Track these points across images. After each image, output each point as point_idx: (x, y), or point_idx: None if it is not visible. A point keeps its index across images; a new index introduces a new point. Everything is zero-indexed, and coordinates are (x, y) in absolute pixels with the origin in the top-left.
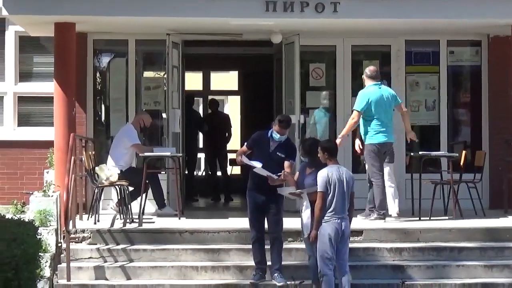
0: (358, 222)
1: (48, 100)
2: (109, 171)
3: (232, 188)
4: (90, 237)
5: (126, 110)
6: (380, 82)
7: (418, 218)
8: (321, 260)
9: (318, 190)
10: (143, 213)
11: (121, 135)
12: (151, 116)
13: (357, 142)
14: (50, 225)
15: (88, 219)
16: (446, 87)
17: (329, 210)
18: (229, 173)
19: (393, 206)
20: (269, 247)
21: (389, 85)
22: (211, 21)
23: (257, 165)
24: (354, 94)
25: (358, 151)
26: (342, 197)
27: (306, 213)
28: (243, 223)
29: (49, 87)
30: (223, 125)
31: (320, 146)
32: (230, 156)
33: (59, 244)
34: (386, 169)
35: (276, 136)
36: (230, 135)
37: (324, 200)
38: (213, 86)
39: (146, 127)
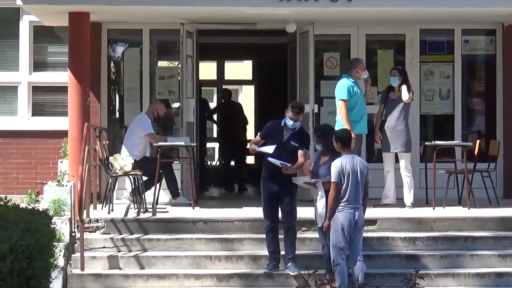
0: (372, 211)
1: (62, 89)
2: (123, 160)
3: (245, 178)
4: (104, 227)
5: (140, 100)
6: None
7: (432, 208)
8: (334, 250)
9: (331, 181)
10: (157, 203)
11: (135, 124)
12: (165, 105)
13: (378, 132)
14: (64, 215)
15: (102, 209)
16: (461, 76)
17: (342, 200)
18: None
19: (407, 196)
20: (283, 236)
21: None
22: (225, 10)
23: (269, 150)
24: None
25: (378, 141)
26: (356, 187)
27: (321, 203)
28: (257, 212)
29: (63, 77)
30: (236, 115)
31: (334, 136)
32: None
33: (73, 234)
34: (402, 159)
35: (290, 122)
36: (246, 123)
37: (338, 190)
38: (227, 76)
39: (160, 116)
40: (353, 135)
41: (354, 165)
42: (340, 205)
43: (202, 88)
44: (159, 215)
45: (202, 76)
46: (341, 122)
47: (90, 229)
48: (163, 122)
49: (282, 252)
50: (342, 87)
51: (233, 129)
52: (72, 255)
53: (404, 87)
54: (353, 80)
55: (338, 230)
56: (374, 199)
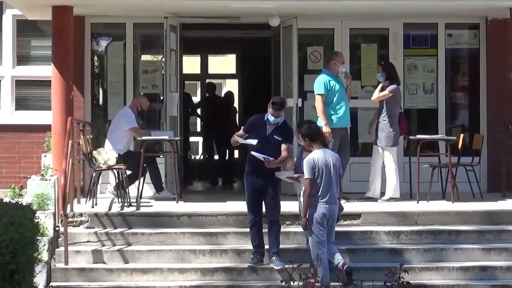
0: (356, 205)
1: (45, 83)
2: (107, 154)
3: (230, 172)
4: (88, 221)
5: (124, 94)
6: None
7: (416, 201)
8: (314, 244)
9: (305, 177)
10: (141, 197)
11: (118, 118)
12: (148, 99)
13: (369, 126)
14: (48, 209)
15: (86, 203)
16: (444, 70)
17: (317, 195)
18: (227, 156)
19: (387, 190)
20: (267, 230)
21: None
22: (209, 4)
23: (252, 142)
24: (352, 77)
25: (368, 134)
26: (329, 181)
27: None
28: (241, 206)
29: (46, 71)
30: (220, 109)
31: (300, 134)
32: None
33: (57, 228)
34: (384, 153)
35: (271, 118)
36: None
37: (312, 186)
38: (211, 70)
39: (143, 110)
40: (328, 129)
41: (327, 159)
42: (314, 200)
43: (185, 82)
44: (143, 209)
45: (185, 70)
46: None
47: (74, 223)
48: (147, 116)
49: (266, 246)
50: (319, 82)
51: (218, 123)
52: (56, 250)
53: (378, 87)
54: (331, 75)
55: (315, 225)
56: (360, 193)
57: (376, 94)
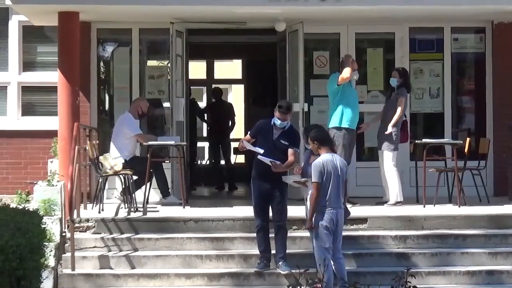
0: (363, 209)
1: (52, 89)
2: (113, 160)
3: (236, 177)
4: (94, 226)
5: (130, 99)
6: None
7: (422, 206)
8: (319, 249)
9: (312, 181)
10: (147, 202)
11: (120, 125)
12: (154, 104)
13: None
14: (55, 215)
15: (92, 208)
16: (450, 75)
17: (324, 200)
18: (233, 161)
19: (390, 194)
20: (273, 235)
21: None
22: (215, 9)
23: (259, 150)
24: (358, 82)
25: (361, 129)
26: (337, 186)
27: None
28: (247, 211)
29: (53, 77)
30: (226, 114)
31: (309, 137)
32: (234, 144)
33: (64, 234)
34: (383, 157)
35: (278, 122)
36: (233, 123)
37: (320, 190)
38: (217, 75)
39: (144, 113)
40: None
41: (335, 163)
42: (322, 205)
43: (191, 87)
44: (149, 215)
45: (191, 76)
46: (334, 118)
47: (81, 229)
48: (150, 119)
49: (273, 251)
50: (332, 76)
51: (224, 128)
52: (63, 255)
53: (399, 108)
54: None
55: (322, 230)
56: (366, 197)
57: (398, 112)
